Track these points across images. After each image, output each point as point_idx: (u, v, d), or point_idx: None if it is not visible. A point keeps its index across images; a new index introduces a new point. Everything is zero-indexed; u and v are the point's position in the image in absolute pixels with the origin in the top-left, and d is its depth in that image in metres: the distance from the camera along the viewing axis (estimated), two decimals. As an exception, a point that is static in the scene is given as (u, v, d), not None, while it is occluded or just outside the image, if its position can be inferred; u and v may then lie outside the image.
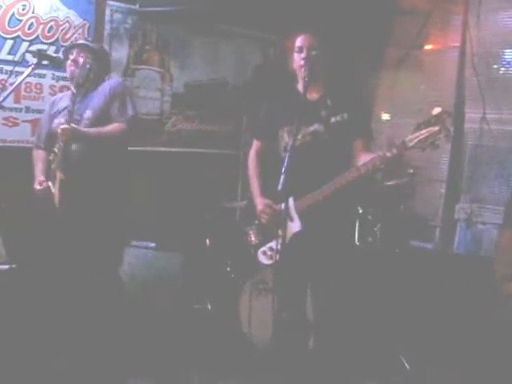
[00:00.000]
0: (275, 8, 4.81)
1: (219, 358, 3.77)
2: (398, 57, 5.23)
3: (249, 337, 3.69)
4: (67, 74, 3.56)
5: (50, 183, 3.44)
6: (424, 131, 2.66)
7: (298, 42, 3.05)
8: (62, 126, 3.22)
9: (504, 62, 4.76)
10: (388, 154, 2.77)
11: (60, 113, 3.55)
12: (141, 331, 3.79)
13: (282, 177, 2.61)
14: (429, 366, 3.82)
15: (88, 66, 3.32)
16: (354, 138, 3.04)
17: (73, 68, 3.46)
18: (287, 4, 4.75)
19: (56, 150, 3.31)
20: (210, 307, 4.26)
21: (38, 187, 3.48)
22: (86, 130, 3.31)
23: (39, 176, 3.53)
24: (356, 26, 4.95)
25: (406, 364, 3.78)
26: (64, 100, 3.61)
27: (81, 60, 3.44)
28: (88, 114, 3.40)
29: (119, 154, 3.53)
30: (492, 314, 3.17)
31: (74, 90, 3.34)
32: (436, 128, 2.63)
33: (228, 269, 4.24)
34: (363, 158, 2.92)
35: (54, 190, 3.38)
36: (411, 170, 4.40)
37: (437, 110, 2.65)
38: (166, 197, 4.56)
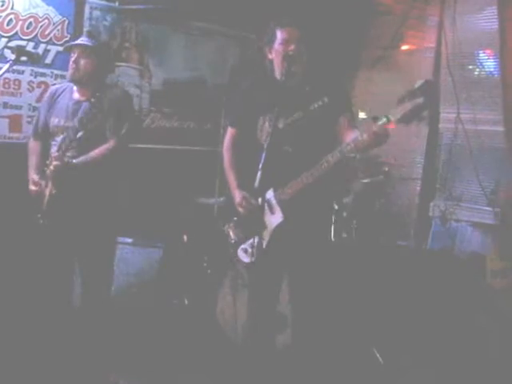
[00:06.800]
0: (253, 7, 4.85)
1: (196, 353, 3.80)
2: (374, 57, 5.30)
3: (225, 331, 3.72)
4: (67, 74, 3.49)
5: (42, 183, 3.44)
6: (408, 104, 2.56)
7: (285, 34, 2.99)
8: (55, 163, 3.22)
9: (478, 63, 4.84)
10: (374, 129, 2.63)
11: (59, 111, 3.48)
12: (117, 327, 3.80)
13: (259, 173, 2.59)
14: (402, 359, 3.88)
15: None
16: (337, 117, 2.97)
17: (73, 69, 3.39)
18: (265, 3, 4.79)
19: (53, 154, 3.31)
20: (187, 302, 4.29)
21: (33, 188, 3.45)
22: (77, 162, 3.28)
23: (33, 174, 3.48)
24: (332, 26, 5.00)
25: (379, 357, 3.84)
26: (65, 94, 3.52)
27: (82, 62, 3.37)
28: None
29: (111, 167, 3.47)
30: (465, 309, 3.25)
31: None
32: (421, 100, 2.54)
33: (205, 264, 4.27)
34: (349, 135, 2.84)
35: (45, 192, 3.39)
36: (386, 168, 4.48)
37: (419, 82, 2.56)
38: (143, 193, 4.57)
